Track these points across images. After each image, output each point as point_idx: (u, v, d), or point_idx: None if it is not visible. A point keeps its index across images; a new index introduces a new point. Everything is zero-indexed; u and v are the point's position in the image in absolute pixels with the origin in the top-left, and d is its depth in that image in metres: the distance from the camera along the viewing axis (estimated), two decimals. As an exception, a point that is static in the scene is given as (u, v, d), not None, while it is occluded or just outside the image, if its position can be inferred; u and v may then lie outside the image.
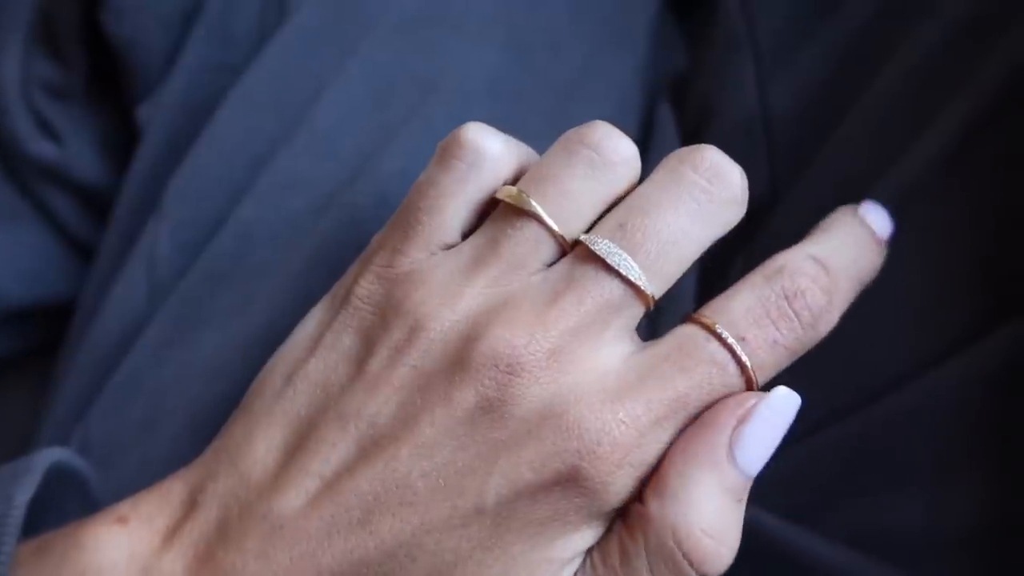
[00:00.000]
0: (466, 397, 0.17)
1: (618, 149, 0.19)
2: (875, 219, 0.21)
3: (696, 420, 0.18)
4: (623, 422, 0.17)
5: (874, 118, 0.25)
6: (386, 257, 0.19)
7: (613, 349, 0.18)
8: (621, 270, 0.18)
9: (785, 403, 0.18)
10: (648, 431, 0.17)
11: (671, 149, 0.28)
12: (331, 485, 0.18)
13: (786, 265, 0.18)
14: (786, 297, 0.18)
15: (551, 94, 0.27)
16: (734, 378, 0.18)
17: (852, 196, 0.24)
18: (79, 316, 0.28)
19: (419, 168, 0.26)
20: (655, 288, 0.18)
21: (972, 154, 0.22)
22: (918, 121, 0.23)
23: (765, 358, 0.18)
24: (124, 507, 0.19)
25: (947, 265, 0.22)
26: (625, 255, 0.18)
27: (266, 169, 0.26)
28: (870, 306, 0.23)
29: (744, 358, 0.18)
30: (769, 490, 0.23)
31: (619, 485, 0.17)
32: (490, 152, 0.19)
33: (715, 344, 0.18)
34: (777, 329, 0.18)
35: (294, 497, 0.18)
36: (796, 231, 0.25)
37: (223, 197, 0.26)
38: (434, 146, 0.25)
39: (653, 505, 0.17)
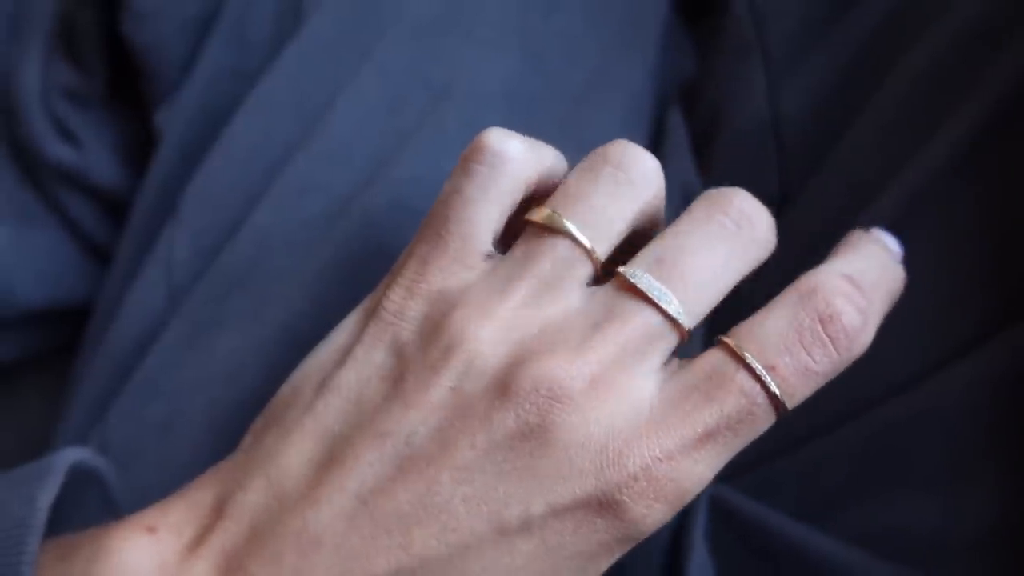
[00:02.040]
0: (506, 422, 0.17)
1: (640, 168, 0.19)
2: (888, 241, 0.21)
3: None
4: (659, 458, 0.17)
5: (884, 122, 0.25)
6: (415, 269, 0.19)
7: (649, 379, 0.18)
8: (662, 304, 0.18)
9: None
10: (681, 465, 0.18)
11: (682, 155, 0.28)
12: (368, 504, 0.17)
13: (820, 285, 0.18)
14: (820, 320, 0.18)
15: (564, 100, 0.27)
16: (762, 408, 0.18)
17: (862, 200, 0.24)
18: (96, 318, 0.29)
19: (434, 174, 0.26)
20: (691, 320, 0.18)
21: (982, 158, 0.22)
22: (927, 125, 0.24)
23: (796, 384, 0.18)
24: (152, 515, 0.19)
25: (957, 267, 0.22)
26: (665, 290, 0.18)
27: (282, 174, 0.26)
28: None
29: (773, 388, 0.18)
30: (781, 490, 0.23)
31: (656, 516, 0.18)
32: (511, 155, 0.19)
33: (744, 374, 0.18)
34: (810, 355, 0.18)
35: (329, 513, 0.17)
36: (806, 236, 0.25)
37: (239, 202, 0.26)
38: (448, 152, 0.25)
39: None
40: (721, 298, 0.19)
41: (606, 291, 0.19)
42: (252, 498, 0.18)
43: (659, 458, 0.17)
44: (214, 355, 0.25)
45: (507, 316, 0.18)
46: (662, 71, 0.30)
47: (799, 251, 0.22)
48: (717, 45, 0.30)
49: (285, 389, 0.20)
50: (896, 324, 0.23)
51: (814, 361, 0.18)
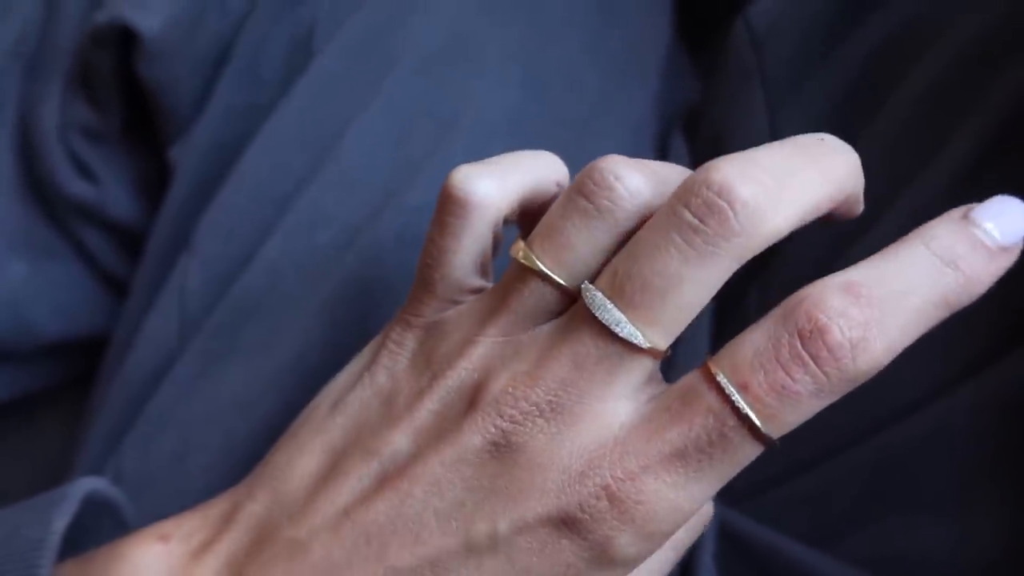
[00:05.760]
0: (472, 441, 0.18)
1: (611, 195, 0.18)
2: (995, 218, 0.17)
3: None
4: (621, 477, 0.17)
5: (885, 143, 0.25)
6: (412, 306, 0.20)
7: (621, 401, 0.18)
8: (612, 328, 0.17)
9: None
10: (647, 486, 0.17)
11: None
12: (351, 516, 0.18)
13: (807, 298, 0.16)
14: (800, 336, 0.16)
15: (568, 128, 0.27)
16: (735, 430, 0.16)
17: (864, 222, 0.24)
18: (113, 350, 0.29)
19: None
20: (657, 339, 0.17)
21: (983, 177, 0.23)
22: (929, 146, 0.24)
23: (773, 405, 0.16)
24: (167, 525, 0.20)
25: None
26: (614, 310, 0.17)
27: (292, 206, 0.27)
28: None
29: (743, 407, 0.16)
30: (789, 514, 0.23)
31: (624, 541, 0.17)
32: (476, 200, 0.19)
33: (713, 394, 0.17)
34: (787, 374, 0.16)
35: (319, 524, 0.18)
36: (809, 257, 0.25)
37: (251, 233, 0.27)
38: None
39: None
40: (696, 304, 0.17)
41: (569, 312, 0.18)
42: (257, 508, 0.19)
43: (620, 477, 0.17)
44: (226, 385, 0.26)
45: (482, 345, 0.19)
46: (664, 97, 0.30)
47: (803, 274, 0.22)
48: (719, 70, 0.30)
49: (305, 410, 0.21)
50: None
51: (792, 380, 0.16)
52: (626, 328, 0.17)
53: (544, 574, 0.17)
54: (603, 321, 0.17)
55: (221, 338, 0.26)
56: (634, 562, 0.17)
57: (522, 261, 0.19)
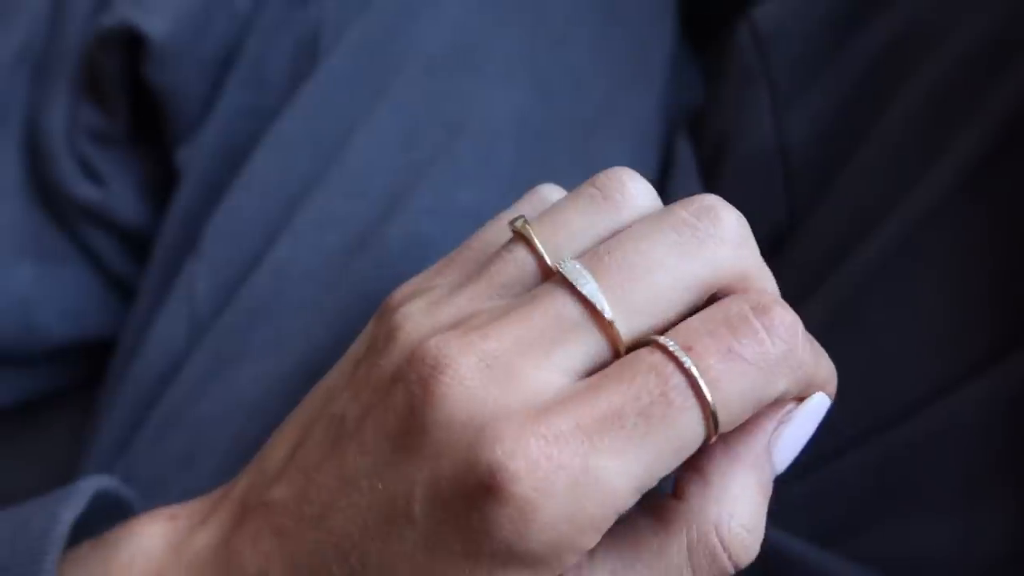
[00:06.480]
0: (396, 397, 0.17)
1: (623, 189, 0.18)
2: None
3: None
4: (545, 437, 0.15)
5: (889, 145, 0.25)
6: (425, 272, 0.19)
7: (557, 372, 0.16)
8: (578, 285, 0.16)
9: (820, 407, 0.18)
10: (574, 450, 0.15)
11: (691, 181, 0.29)
12: (309, 478, 0.18)
13: (755, 292, 0.17)
14: (752, 308, 0.16)
15: (574, 132, 0.28)
16: (679, 389, 0.15)
17: (869, 223, 0.25)
18: (121, 352, 0.30)
19: (447, 205, 0.26)
20: (618, 316, 0.16)
21: (987, 178, 0.23)
22: (933, 147, 0.24)
23: (719, 368, 0.16)
24: (178, 507, 0.20)
25: (965, 288, 0.22)
26: (588, 275, 0.16)
27: (300, 208, 0.27)
28: (891, 330, 0.23)
29: (688, 364, 0.15)
30: (796, 514, 0.24)
31: (547, 517, 0.15)
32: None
33: (658, 354, 0.16)
34: (735, 337, 0.16)
35: (285, 489, 0.18)
36: (814, 258, 0.25)
37: (259, 236, 0.27)
38: (463, 184, 0.26)
39: (696, 501, 0.17)
40: (667, 295, 0.17)
41: (541, 285, 0.17)
42: (245, 482, 0.19)
43: (544, 436, 0.15)
44: (236, 387, 0.26)
45: (447, 307, 0.18)
46: (669, 99, 0.30)
47: (808, 276, 0.22)
48: (722, 73, 0.30)
49: None
50: (906, 346, 0.23)
51: (739, 343, 0.16)
52: (590, 287, 0.16)
53: (465, 552, 0.16)
54: (572, 281, 0.16)
55: (230, 341, 0.26)
56: (552, 554, 0.15)
57: (515, 226, 0.18)
